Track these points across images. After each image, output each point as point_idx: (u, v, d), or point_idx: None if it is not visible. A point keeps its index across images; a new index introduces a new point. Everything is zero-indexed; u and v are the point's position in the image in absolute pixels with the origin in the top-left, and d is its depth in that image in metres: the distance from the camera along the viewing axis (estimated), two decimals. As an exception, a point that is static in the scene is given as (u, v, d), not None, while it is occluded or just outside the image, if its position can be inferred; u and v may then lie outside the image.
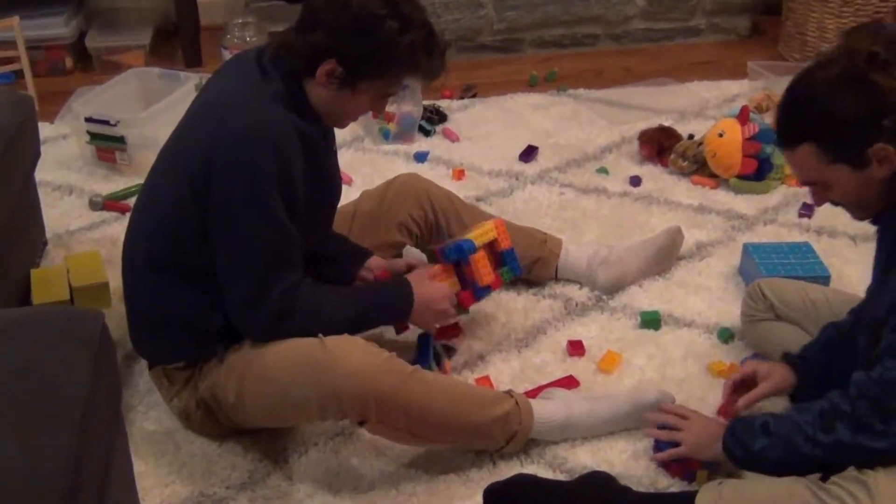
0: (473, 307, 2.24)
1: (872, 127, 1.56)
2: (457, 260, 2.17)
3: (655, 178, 3.04)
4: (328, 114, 1.89)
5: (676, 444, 1.90)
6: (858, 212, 1.71)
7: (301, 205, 1.84)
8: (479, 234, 2.21)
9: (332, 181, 2.00)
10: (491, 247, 2.25)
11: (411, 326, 2.16)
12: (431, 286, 2.10)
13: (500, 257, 2.26)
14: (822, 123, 1.60)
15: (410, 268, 2.19)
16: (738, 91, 3.62)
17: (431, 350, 2.12)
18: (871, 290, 1.76)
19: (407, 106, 3.23)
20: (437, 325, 2.15)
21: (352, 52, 1.78)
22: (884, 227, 1.73)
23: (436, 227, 2.37)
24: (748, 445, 1.73)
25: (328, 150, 1.97)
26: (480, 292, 2.20)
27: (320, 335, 1.81)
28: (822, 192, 1.70)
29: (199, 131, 1.82)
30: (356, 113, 1.94)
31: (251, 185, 1.76)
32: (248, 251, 1.81)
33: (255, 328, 1.86)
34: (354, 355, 1.78)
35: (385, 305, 2.03)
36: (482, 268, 2.17)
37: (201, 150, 1.78)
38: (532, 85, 3.75)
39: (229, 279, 1.84)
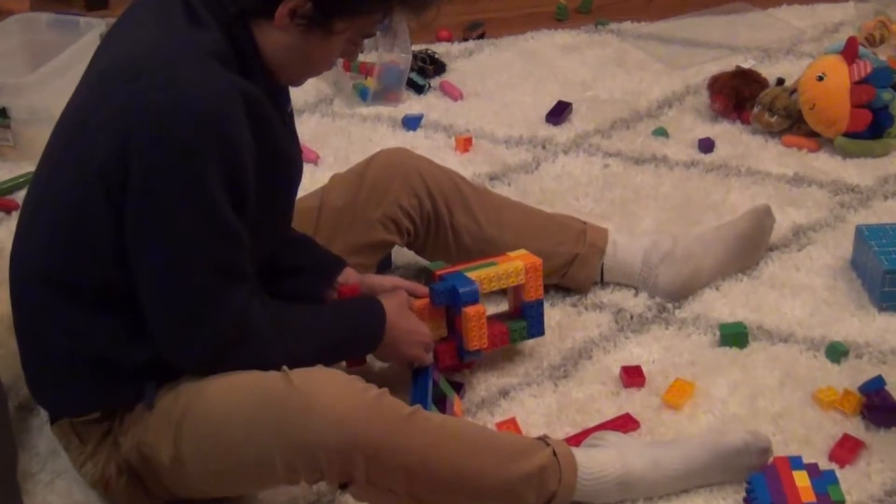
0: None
1: None
2: (446, 305, 2.21)
3: (733, 139, 3.06)
4: (286, 67, 1.90)
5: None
6: None
7: (251, 196, 1.85)
8: (496, 276, 2.23)
9: (288, 160, 2.01)
10: (514, 291, 2.29)
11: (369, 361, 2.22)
12: (408, 320, 2.14)
13: (520, 308, 2.29)
14: None
15: (394, 289, 2.22)
16: (843, 17, 3.64)
17: (430, 387, 2.14)
18: None
19: (391, 53, 3.25)
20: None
21: None
22: None
23: (434, 218, 2.39)
24: None
25: (283, 118, 1.99)
26: (467, 355, 2.23)
27: (284, 367, 1.83)
28: None
29: (107, 103, 1.80)
30: (324, 63, 1.95)
31: (185, 177, 1.77)
32: (185, 263, 1.81)
33: (195, 359, 1.87)
34: (333, 393, 1.79)
35: (356, 331, 2.07)
36: (473, 329, 2.18)
37: (112, 131, 1.77)
38: (560, 18, 3.77)
39: (159, 298, 1.84)
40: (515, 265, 2.25)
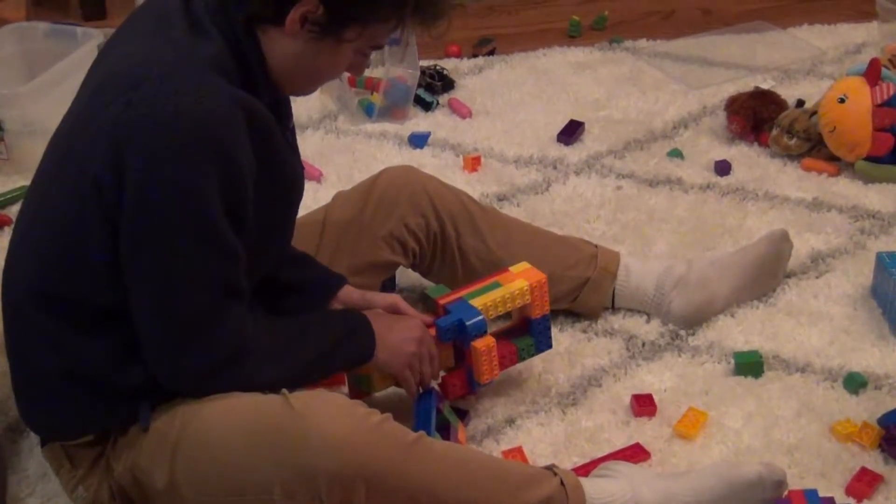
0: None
1: None
2: (452, 341, 2.21)
3: (751, 162, 3.07)
4: (292, 76, 1.92)
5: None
6: None
7: (249, 213, 1.87)
8: (501, 300, 2.21)
9: (290, 176, 2.02)
10: (520, 310, 2.29)
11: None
12: (396, 321, 2.14)
13: (526, 324, 2.29)
14: None
15: (394, 309, 2.23)
16: (865, 38, 3.66)
17: (434, 414, 2.14)
18: None
19: (398, 69, 3.26)
20: (413, 378, 2.17)
21: None
22: None
23: (441, 238, 2.40)
24: None
25: (284, 132, 2.00)
26: (478, 385, 2.24)
27: (284, 391, 1.84)
28: None
29: (103, 115, 1.81)
30: (333, 73, 1.97)
31: (182, 194, 1.78)
32: (180, 280, 1.82)
33: (187, 379, 1.88)
34: (334, 419, 1.80)
35: (342, 342, 2.07)
36: (484, 362, 2.19)
37: (107, 143, 1.78)
38: (573, 35, 3.79)
39: (151, 316, 1.85)
40: (520, 286, 2.23)
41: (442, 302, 2.22)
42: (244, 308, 1.89)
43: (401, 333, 2.13)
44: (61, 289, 1.89)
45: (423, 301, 2.32)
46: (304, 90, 2.00)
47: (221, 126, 1.78)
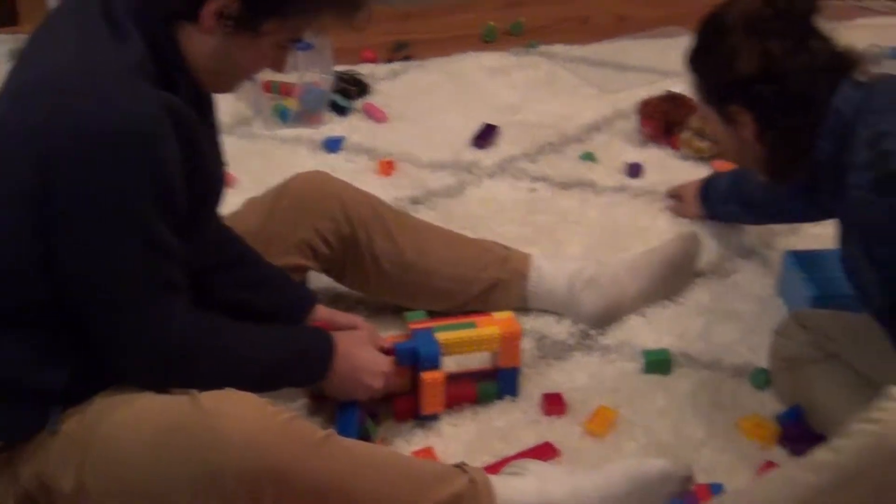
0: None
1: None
2: (410, 366, 2.25)
3: (662, 164, 3.13)
4: (213, 74, 1.92)
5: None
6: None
7: (181, 209, 1.88)
8: (468, 340, 2.26)
9: (212, 169, 2.03)
10: (492, 357, 2.33)
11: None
12: (363, 351, 2.17)
13: (495, 372, 2.33)
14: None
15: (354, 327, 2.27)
16: (775, 42, 3.73)
17: (357, 423, 2.16)
18: None
19: (312, 74, 3.28)
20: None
21: None
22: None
23: (353, 243, 2.42)
24: None
25: (207, 128, 2.01)
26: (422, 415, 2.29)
27: (193, 391, 1.84)
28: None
29: (27, 120, 1.80)
30: (253, 68, 1.97)
31: (115, 200, 1.78)
32: (120, 283, 1.84)
33: (140, 374, 1.90)
34: (242, 417, 1.80)
35: (300, 359, 2.10)
36: (429, 395, 2.23)
37: (32, 151, 1.78)
38: (489, 40, 3.82)
39: (97, 318, 1.87)
40: (491, 332, 2.27)
41: (412, 327, 2.28)
42: (184, 304, 1.91)
43: (364, 363, 2.17)
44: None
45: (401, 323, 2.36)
46: (227, 87, 2.01)
47: (149, 130, 1.78)
